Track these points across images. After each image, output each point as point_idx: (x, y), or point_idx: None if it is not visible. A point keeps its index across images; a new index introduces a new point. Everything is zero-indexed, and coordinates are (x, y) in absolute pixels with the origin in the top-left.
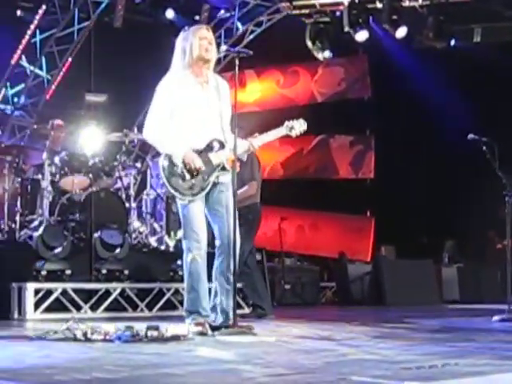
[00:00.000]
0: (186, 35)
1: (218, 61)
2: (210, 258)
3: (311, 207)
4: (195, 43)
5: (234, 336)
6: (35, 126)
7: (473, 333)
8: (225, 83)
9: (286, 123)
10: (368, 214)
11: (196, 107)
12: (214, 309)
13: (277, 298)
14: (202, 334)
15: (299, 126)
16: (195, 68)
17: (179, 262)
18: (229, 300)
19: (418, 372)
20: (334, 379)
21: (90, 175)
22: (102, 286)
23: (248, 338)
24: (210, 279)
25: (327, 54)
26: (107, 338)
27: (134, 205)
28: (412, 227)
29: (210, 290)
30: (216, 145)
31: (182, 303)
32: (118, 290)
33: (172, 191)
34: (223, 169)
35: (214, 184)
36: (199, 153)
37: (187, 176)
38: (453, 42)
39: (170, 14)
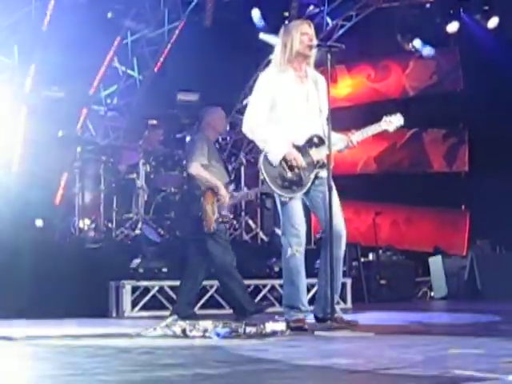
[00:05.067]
0: (287, 29)
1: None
2: (307, 254)
3: (405, 202)
4: (296, 38)
5: (333, 331)
6: (129, 127)
7: None
8: (323, 79)
9: (384, 118)
10: (463, 207)
11: (295, 102)
12: (319, 300)
13: (372, 294)
14: (301, 329)
15: (397, 120)
16: (295, 63)
17: (274, 259)
18: (333, 291)
19: None
20: (436, 373)
21: (184, 173)
22: None
23: (346, 333)
24: (307, 275)
25: (418, 43)
26: (206, 334)
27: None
28: (508, 220)
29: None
30: (316, 140)
31: (278, 299)
32: (215, 287)
33: (273, 187)
34: (323, 165)
35: (314, 179)
36: (299, 148)
37: (288, 172)
38: None
39: (255, 13)
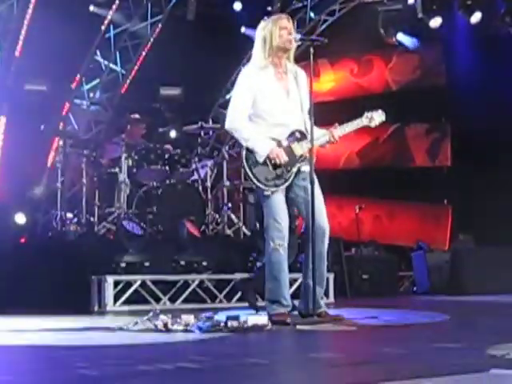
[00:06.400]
0: (266, 24)
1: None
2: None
3: (388, 196)
4: (275, 33)
5: (315, 325)
6: (111, 120)
7: None
8: (303, 73)
9: (366, 114)
10: (445, 202)
11: (276, 98)
12: (303, 297)
13: (355, 288)
14: (283, 323)
15: (378, 116)
16: (274, 58)
17: (255, 254)
18: (317, 286)
19: (503, 360)
20: (418, 367)
21: (167, 167)
22: (180, 278)
23: (329, 328)
24: (290, 270)
25: (401, 36)
26: (188, 328)
27: (210, 196)
28: (490, 214)
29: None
30: (298, 135)
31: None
32: (197, 282)
33: (255, 182)
34: (305, 159)
35: (296, 173)
36: (281, 143)
37: (270, 167)
38: None
39: (237, 6)
